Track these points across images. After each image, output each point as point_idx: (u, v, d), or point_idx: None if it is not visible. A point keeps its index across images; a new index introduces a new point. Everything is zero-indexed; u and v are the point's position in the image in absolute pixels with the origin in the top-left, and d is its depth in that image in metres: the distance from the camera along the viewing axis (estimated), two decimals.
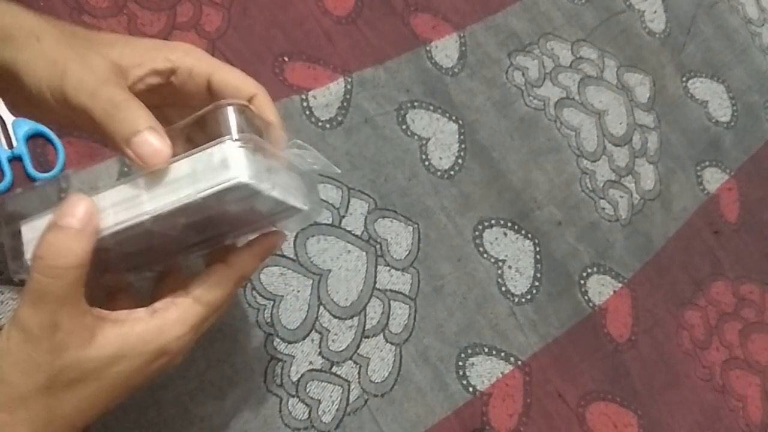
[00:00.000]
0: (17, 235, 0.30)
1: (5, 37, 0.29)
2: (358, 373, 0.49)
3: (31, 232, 0.30)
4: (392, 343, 0.51)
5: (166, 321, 0.30)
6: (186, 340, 0.31)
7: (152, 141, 0.28)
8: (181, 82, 0.33)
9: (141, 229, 0.29)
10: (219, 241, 0.35)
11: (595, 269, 0.60)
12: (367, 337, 0.50)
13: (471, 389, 0.52)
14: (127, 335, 0.29)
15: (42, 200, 0.32)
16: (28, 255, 0.30)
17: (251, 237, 0.35)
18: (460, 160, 0.59)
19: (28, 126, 0.46)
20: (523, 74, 0.66)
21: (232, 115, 0.29)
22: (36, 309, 0.27)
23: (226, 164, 0.28)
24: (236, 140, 0.28)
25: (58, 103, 0.29)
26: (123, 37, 0.33)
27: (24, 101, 0.31)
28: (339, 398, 0.48)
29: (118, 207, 0.29)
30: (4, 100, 0.32)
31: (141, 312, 0.30)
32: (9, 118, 0.46)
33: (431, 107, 0.60)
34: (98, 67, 0.30)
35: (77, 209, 0.27)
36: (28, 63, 0.29)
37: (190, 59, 0.33)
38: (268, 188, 0.29)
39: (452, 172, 0.59)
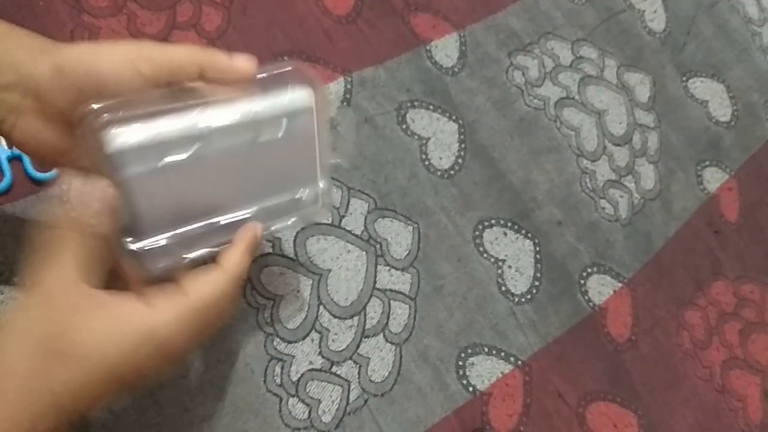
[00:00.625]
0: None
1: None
2: (358, 372, 0.49)
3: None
4: (392, 343, 0.51)
5: (153, 304, 0.30)
6: (177, 332, 0.30)
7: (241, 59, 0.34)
8: (175, 78, 0.33)
9: (188, 153, 0.31)
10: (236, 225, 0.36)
11: (595, 269, 0.60)
12: (367, 336, 0.50)
13: (471, 389, 0.52)
14: (112, 311, 0.29)
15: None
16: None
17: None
18: (460, 160, 0.59)
19: None
20: (523, 74, 0.66)
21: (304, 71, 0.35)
22: (42, 277, 0.29)
23: (300, 95, 0.34)
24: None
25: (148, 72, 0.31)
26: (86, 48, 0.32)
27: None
28: (339, 398, 0.48)
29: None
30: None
31: (129, 294, 0.31)
32: None
33: (431, 107, 0.60)
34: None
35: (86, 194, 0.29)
36: (97, 52, 0.31)
37: (177, 59, 0.33)
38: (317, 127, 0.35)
39: (452, 172, 0.59)
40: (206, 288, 0.32)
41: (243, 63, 0.35)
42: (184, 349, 0.32)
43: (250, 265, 0.35)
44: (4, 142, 0.45)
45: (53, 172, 0.46)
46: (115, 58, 0.31)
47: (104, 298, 0.30)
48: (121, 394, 0.32)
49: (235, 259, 0.34)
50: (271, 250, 0.50)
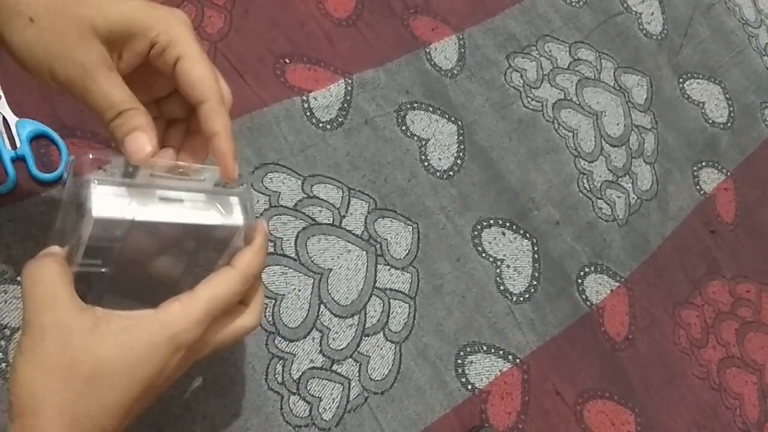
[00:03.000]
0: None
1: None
2: (359, 371, 0.50)
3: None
4: (392, 342, 0.52)
5: (170, 314, 0.31)
6: (196, 333, 0.31)
7: (142, 141, 0.31)
8: (154, 56, 0.32)
9: (120, 232, 0.31)
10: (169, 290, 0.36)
11: (592, 268, 0.61)
12: (368, 335, 0.51)
13: (470, 387, 0.53)
14: (130, 325, 0.30)
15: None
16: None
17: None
18: (459, 161, 0.60)
19: (31, 126, 0.46)
20: (521, 76, 0.66)
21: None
22: (40, 307, 0.29)
23: (231, 212, 0.34)
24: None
25: (55, 83, 0.30)
26: (105, 1, 0.31)
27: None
28: (339, 396, 0.49)
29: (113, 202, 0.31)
30: None
31: (147, 311, 0.31)
32: (12, 119, 0.46)
33: (430, 108, 0.61)
34: (89, 57, 0.30)
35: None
36: (26, 45, 0.30)
37: (168, 36, 0.32)
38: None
39: (451, 173, 0.59)
40: (218, 289, 0.32)
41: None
42: (203, 347, 0.33)
43: (263, 262, 0.35)
44: (7, 143, 0.46)
45: (57, 173, 0.46)
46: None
47: (116, 314, 0.30)
48: (153, 400, 0.32)
49: (247, 258, 0.34)
50: (272, 250, 0.51)
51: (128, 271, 0.34)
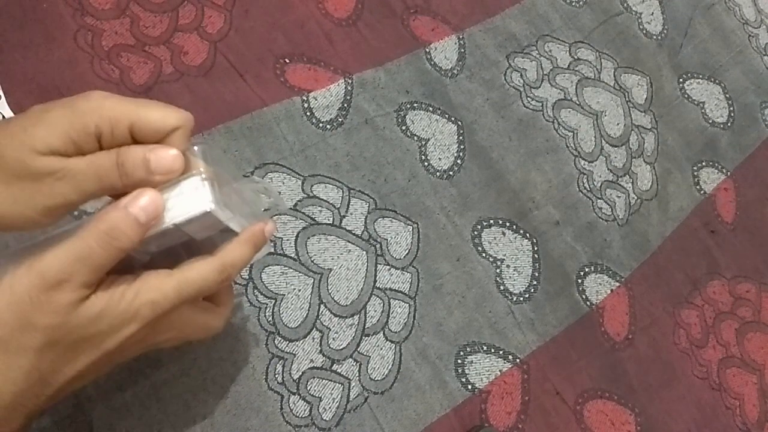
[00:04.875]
0: None
1: None
2: (359, 370, 0.50)
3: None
4: (392, 342, 0.52)
5: (146, 282, 0.31)
6: (162, 307, 0.31)
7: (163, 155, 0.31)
8: (107, 139, 0.31)
9: None
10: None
11: (592, 268, 0.61)
12: (368, 335, 0.51)
13: (470, 387, 0.53)
14: (111, 294, 0.30)
15: None
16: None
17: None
18: (459, 161, 0.60)
19: None
20: (521, 75, 0.66)
21: (198, 154, 0.33)
22: (69, 263, 0.29)
23: (196, 195, 0.32)
24: (203, 175, 0.32)
25: (45, 221, 0.31)
26: (36, 117, 0.30)
27: None
28: (339, 396, 0.49)
29: None
30: None
31: (128, 276, 0.32)
32: None
33: (430, 108, 0.61)
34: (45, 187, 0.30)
35: (146, 202, 0.30)
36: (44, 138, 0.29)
37: (104, 116, 0.30)
38: (227, 217, 0.33)
39: (451, 173, 0.59)
40: (193, 272, 0.33)
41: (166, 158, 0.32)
42: (166, 328, 0.33)
43: (248, 257, 0.35)
44: None
45: None
46: (52, 135, 0.29)
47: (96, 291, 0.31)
48: (101, 370, 0.33)
49: (228, 249, 0.34)
50: (272, 250, 0.51)
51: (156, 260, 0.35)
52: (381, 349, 0.51)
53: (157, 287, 0.31)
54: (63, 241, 0.29)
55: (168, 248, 0.34)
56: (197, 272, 0.33)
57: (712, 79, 0.77)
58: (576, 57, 0.70)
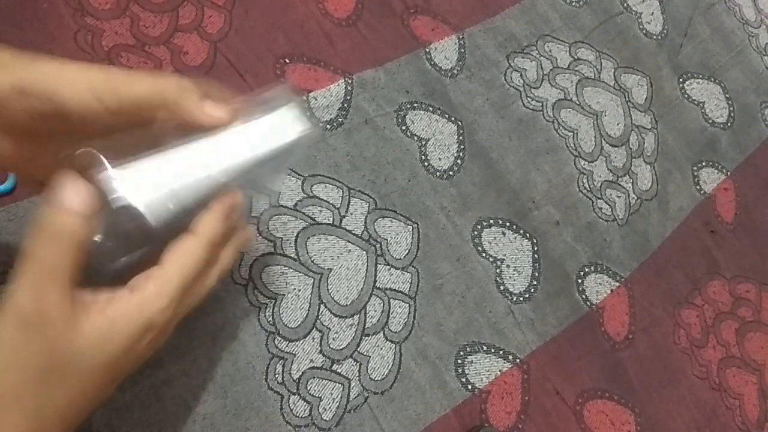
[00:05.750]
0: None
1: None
2: (359, 370, 0.50)
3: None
4: (392, 342, 0.52)
5: (146, 296, 0.30)
6: (169, 312, 0.31)
7: (214, 108, 0.32)
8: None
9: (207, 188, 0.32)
10: None
11: (592, 268, 0.61)
12: (368, 335, 0.51)
13: (470, 387, 0.53)
14: (112, 319, 0.29)
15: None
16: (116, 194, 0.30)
17: None
18: (459, 161, 0.60)
19: None
20: (521, 75, 0.66)
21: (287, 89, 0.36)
22: (31, 289, 0.27)
23: (298, 120, 0.35)
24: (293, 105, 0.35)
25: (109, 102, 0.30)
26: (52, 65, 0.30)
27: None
28: (339, 396, 0.49)
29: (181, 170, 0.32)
30: None
31: (121, 292, 0.30)
32: None
33: (430, 108, 0.61)
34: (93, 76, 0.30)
35: (79, 193, 0.28)
36: (60, 77, 0.29)
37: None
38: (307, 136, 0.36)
39: (451, 173, 0.59)
40: (183, 258, 0.32)
41: (214, 112, 0.32)
42: (173, 322, 0.32)
43: (226, 232, 0.34)
44: None
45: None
46: (79, 87, 0.29)
47: (94, 300, 0.29)
48: (120, 381, 0.32)
49: (209, 223, 0.33)
50: (272, 250, 0.51)
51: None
52: (381, 349, 0.51)
53: (161, 292, 0.30)
54: (20, 268, 0.27)
55: (126, 239, 0.32)
56: (190, 258, 0.31)
57: (712, 79, 0.77)
58: (576, 57, 0.70)
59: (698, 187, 0.70)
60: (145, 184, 0.31)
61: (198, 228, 0.33)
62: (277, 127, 0.35)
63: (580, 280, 0.60)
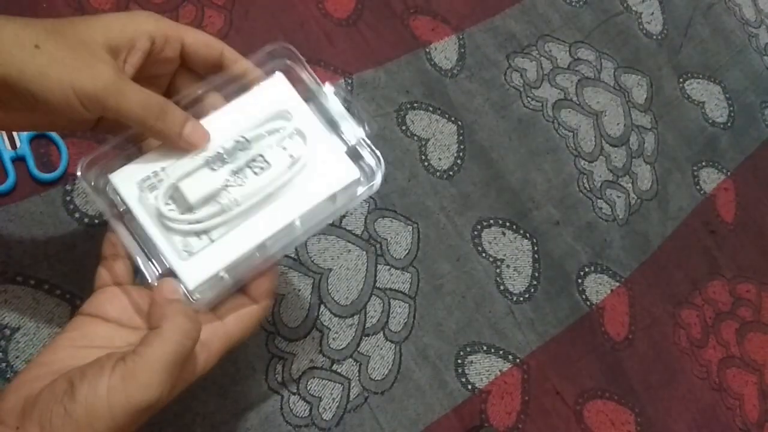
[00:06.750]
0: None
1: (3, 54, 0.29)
2: (359, 370, 0.50)
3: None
4: (392, 342, 0.52)
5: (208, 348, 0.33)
6: (214, 361, 0.33)
7: (197, 129, 0.34)
8: (158, 50, 0.34)
9: None
10: None
11: (592, 268, 0.61)
12: (368, 335, 0.51)
13: (470, 387, 0.53)
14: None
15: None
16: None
17: None
18: (459, 161, 0.60)
19: None
20: (521, 75, 0.66)
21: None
22: (160, 379, 0.29)
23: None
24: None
25: (80, 97, 0.30)
26: (92, 19, 0.33)
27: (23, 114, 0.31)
28: (339, 396, 0.49)
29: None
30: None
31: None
32: None
33: (430, 108, 0.61)
34: (108, 73, 0.31)
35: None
36: (40, 72, 0.29)
37: (161, 28, 0.34)
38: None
39: (451, 173, 0.59)
40: (248, 323, 0.35)
41: (191, 139, 0.34)
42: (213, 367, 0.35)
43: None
44: (7, 143, 0.46)
45: (57, 173, 0.46)
46: (67, 94, 0.30)
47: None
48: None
49: (268, 291, 0.35)
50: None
51: None
52: (381, 349, 0.51)
53: (216, 354, 0.34)
54: (146, 356, 0.29)
55: None
56: (251, 326, 0.35)
57: (712, 79, 0.77)
58: (576, 57, 0.70)
59: (698, 187, 0.70)
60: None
61: (259, 295, 0.35)
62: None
63: (580, 280, 0.60)
